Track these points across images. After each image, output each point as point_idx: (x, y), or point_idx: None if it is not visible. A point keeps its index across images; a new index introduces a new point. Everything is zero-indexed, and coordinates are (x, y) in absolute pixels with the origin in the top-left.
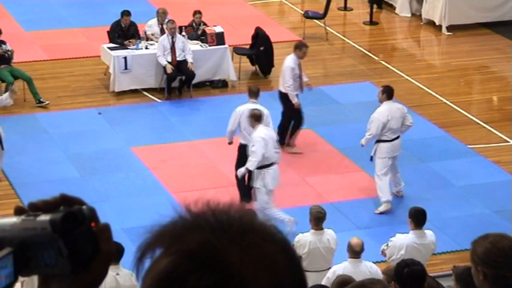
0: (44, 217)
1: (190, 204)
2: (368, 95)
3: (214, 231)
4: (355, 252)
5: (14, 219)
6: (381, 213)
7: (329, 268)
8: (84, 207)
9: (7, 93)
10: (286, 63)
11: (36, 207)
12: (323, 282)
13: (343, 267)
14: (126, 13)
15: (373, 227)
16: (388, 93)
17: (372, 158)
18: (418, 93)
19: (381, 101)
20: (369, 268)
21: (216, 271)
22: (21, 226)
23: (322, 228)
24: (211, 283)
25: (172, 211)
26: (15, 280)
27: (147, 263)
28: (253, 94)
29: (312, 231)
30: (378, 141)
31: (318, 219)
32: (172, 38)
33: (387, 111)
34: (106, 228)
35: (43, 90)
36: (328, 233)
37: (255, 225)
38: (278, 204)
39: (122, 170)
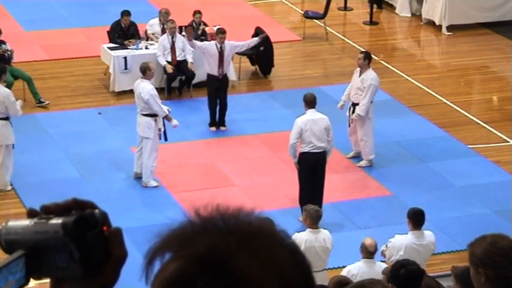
0: (56, 220)
1: (200, 208)
2: None
3: (223, 235)
4: (369, 253)
5: (26, 222)
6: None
7: (324, 269)
8: (96, 211)
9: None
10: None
11: (49, 210)
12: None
13: (358, 267)
14: (126, 13)
15: (373, 227)
16: (369, 59)
17: (349, 125)
18: (418, 93)
19: (362, 67)
20: (383, 269)
21: (224, 275)
22: (34, 229)
23: (318, 228)
24: (219, 287)
25: (181, 215)
26: (26, 283)
27: (156, 267)
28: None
29: (308, 230)
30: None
31: (317, 218)
32: (173, 37)
33: (377, 76)
34: (118, 232)
35: (43, 90)
36: (324, 233)
37: (264, 229)
38: (278, 204)
39: (122, 170)
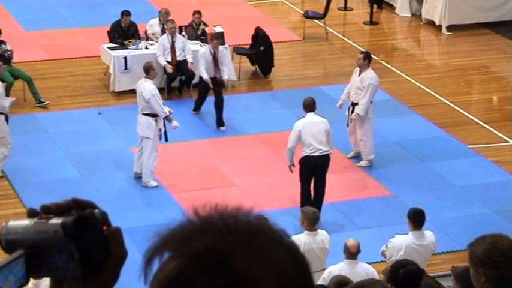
0: (56, 220)
1: (199, 207)
2: None
3: (222, 235)
4: (351, 254)
5: (26, 222)
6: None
7: (324, 269)
8: (96, 211)
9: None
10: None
11: (49, 210)
12: (318, 283)
13: (339, 268)
14: (126, 13)
15: (373, 227)
16: (369, 59)
17: (347, 124)
18: (418, 93)
19: (361, 67)
20: (365, 269)
21: (222, 274)
22: (34, 229)
23: (316, 229)
24: (218, 286)
25: (180, 215)
26: (26, 283)
27: (155, 266)
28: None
29: (306, 232)
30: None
31: (314, 220)
32: (173, 37)
33: (376, 75)
34: (117, 232)
35: (43, 90)
36: (322, 234)
37: (263, 229)
38: (278, 204)
39: (122, 170)
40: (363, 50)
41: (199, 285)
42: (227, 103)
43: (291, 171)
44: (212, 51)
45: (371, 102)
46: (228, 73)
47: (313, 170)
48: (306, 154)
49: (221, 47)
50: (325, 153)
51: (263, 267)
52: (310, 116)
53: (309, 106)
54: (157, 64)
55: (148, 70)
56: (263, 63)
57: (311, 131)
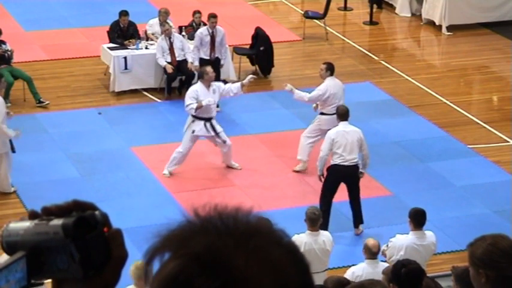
0: (57, 222)
1: (198, 208)
2: (368, 95)
3: (221, 235)
4: (373, 253)
5: (27, 224)
6: (296, 171)
7: (325, 270)
8: (96, 212)
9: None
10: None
11: (49, 212)
12: None
13: (361, 268)
14: (123, 13)
15: (373, 227)
16: (331, 70)
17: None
18: (418, 93)
19: (323, 78)
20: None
21: (221, 274)
22: (34, 230)
23: (317, 230)
24: (216, 286)
25: (180, 215)
26: (27, 284)
27: (156, 267)
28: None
29: (308, 232)
30: (321, 113)
31: (312, 220)
32: (170, 38)
33: (332, 86)
34: (118, 234)
35: (43, 90)
36: (324, 235)
37: (262, 228)
38: (278, 204)
39: (122, 170)
40: (363, 50)
41: (197, 285)
42: (227, 103)
43: (320, 180)
44: (210, 31)
45: (327, 114)
46: (225, 57)
47: (340, 179)
48: (335, 163)
49: (218, 27)
50: (354, 163)
51: (262, 267)
52: (343, 125)
53: (343, 115)
54: (156, 64)
55: (202, 75)
56: (263, 63)
57: (342, 141)
